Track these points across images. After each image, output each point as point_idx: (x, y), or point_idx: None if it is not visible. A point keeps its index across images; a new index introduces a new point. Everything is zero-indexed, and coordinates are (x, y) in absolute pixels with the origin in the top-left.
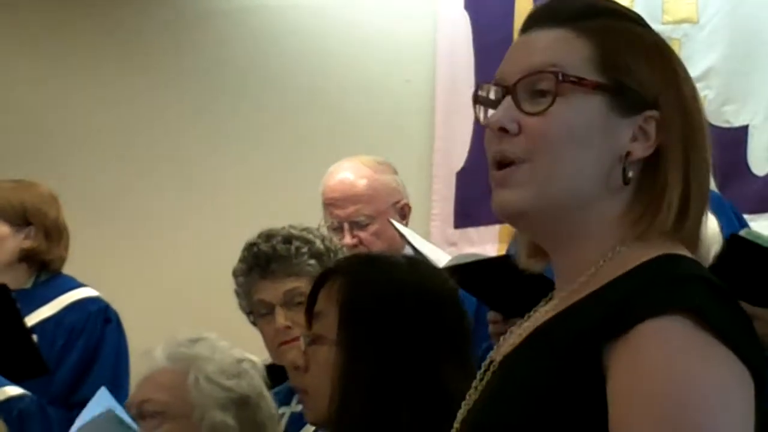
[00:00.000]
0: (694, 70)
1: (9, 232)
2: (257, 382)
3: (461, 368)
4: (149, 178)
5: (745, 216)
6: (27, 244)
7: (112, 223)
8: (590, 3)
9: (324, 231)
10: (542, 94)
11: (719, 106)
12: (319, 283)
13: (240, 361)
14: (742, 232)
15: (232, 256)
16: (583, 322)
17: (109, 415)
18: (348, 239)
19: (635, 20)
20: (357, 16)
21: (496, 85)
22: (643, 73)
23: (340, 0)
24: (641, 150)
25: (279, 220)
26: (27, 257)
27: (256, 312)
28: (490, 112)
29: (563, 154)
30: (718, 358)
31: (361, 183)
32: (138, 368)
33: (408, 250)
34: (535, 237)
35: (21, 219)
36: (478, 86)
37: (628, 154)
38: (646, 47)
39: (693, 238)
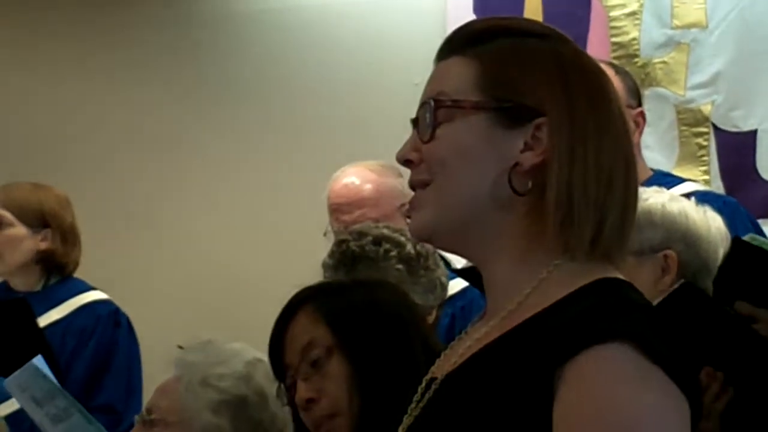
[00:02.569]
0: (702, 75)
1: (26, 233)
2: (260, 381)
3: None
4: (159, 182)
5: None
6: (43, 246)
7: (121, 227)
8: (486, 26)
9: (330, 236)
10: (431, 124)
11: (728, 111)
12: (281, 335)
13: (249, 363)
14: (746, 237)
15: (241, 258)
16: (532, 347)
17: (30, 367)
18: None
19: (535, 34)
20: (364, 19)
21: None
22: (529, 86)
23: (347, 3)
24: (530, 158)
25: (287, 224)
26: (42, 259)
27: None
28: None
29: (455, 172)
30: (658, 385)
31: (367, 187)
32: (148, 371)
33: None
34: (458, 254)
35: (39, 221)
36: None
37: (516, 164)
38: (532, 60)
39: (616, 254)
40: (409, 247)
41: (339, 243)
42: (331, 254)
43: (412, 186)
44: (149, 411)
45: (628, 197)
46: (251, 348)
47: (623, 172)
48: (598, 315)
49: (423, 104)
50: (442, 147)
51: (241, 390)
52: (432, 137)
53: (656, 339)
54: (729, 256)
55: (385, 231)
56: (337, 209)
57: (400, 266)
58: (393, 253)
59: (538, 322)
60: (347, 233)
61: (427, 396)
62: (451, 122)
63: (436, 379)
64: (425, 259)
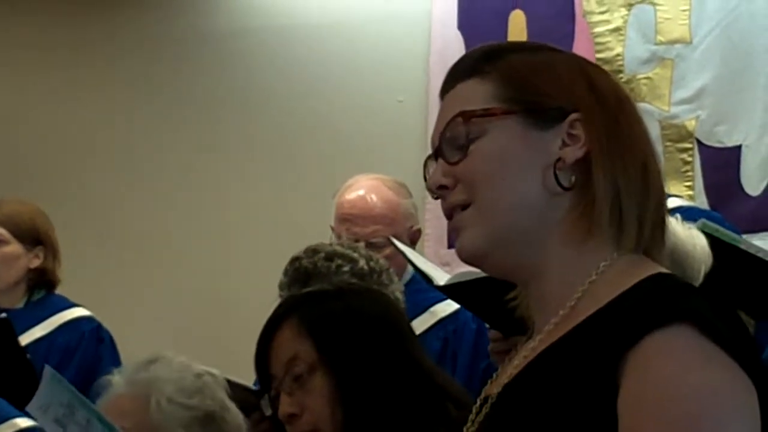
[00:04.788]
0: (687, 90)
1: (22, 251)
2: (219, 395)
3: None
4: (144, 198)
5: None
6: (36, 263)
7: (104, 242)
8: (488, 48)
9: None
10: (463, 142)
11: (712, 126)
12: (267, 345)
13: (199, 375)
14: (698, 224)
15: (226, 275)
16: (591, 344)
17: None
18: None
19: (545, 48)
20: (350, 36)
21: (430, 156)
22: (553, 88)
23: (333, 20)
24: (572, 153)
25: (272, 240)
26: (31, 277)
27: None
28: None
29: (499, 180)
30: (724, 367)
31: (383, 205)
32: None
33: (410, 270)
34: (507, 272)
35: (33, 238)
36: (424, 166)
37: (558, 160)
38: (551, 64)
39: (656, 250)
40: (362, 262)
41: (292, 261)
42: (285, 272)
43: (449, 210)
44: None
45: (661, 191)
46: (194, 361)
47: (654, 167)
48: (655, 301)
49: (447, 125)
50: (478, 161)
51: (208, 405)
52: (465, 155)
53: (717, 319)
54: None
55: (338, 248)
56: (349, 219)
57: (353, 281)
58: (345, 269)
59: (595, 321)
60: (301, 251)
61: (484, 410)
62: (483, 136)
63: (490, 396)
64: (378, 275)
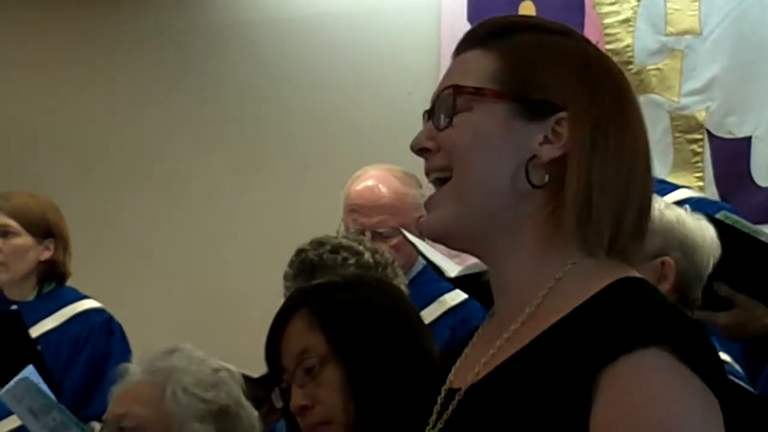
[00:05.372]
0: (696, 82)
1: (32, 243)
2: (235, 391)
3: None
4: (152, 190)
5: None
6: (46, 255)
7: (113, 236)
8: (508, 21)
9: (344, 234)
10: (450, 111)
11: (722, 118)
12: (277, 337)
13: (217, 370)
14: (719, 215)
15: (235, 268)
16: (565, 354)
17: (26, 381)
18: None
19: (557, 32)
20: (359, 28)
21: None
22: (551, 80)
23: (341, 12)
24: (549, 152)
25: (282, 231)
26: (42, 269)
27: None
28: None
29: (473, 160)
30: (696, 394)
31: (389, 194)
32: None
33: (420, 261)
34: (470, 251)
35: (43, 231)
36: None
37: (533, 157)
38: (556, 56)
39: (632, 254)
40: (367, 255)
41: (298, 253)
42: (291, 264)
43: (429, 173)
44: (120, 418)
45: (645, 198)
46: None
47: (642, 173)
48: (632, 319)
49: (441, 92)
50: (460, 133)
51: (223, 399)
52: (449, 124)
53: (690, 343)
54: None
55: (343, 240)
56: (356, 210)
57: (360, 273)
58: (351, 261)
59: (567, 328)
60: (307, 243)
61: (451, 407)
62: (470, 111)
63: (458, 389)
64: (383, 268)
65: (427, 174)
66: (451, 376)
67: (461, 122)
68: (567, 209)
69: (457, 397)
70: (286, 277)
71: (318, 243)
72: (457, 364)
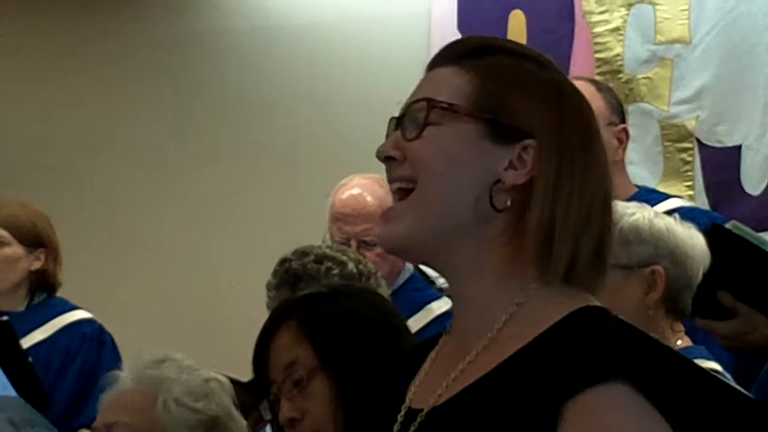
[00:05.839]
0: (686, 90)
1: (23, 253)
2: (225, 401)
3: None
4: (145, 200)
5: None
6: (36, 265)
7: (106, 245)
8: (486, 42)
9: (328, 244)
10: (420, 124)
11: (712, 126)
12: (265, 349)
13: (207, 380)
14: (728, 225)
15: (227, 278)
16: (530, 383)
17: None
18: None
19: (534, 59)
20: (349, 37)
21: (392, 119)
22: (523, 107)
23: (331, 21)
24: (513, 178)
25: (272, 237)
26: (32, 279)
27: None
28: None
29: (438, 176)
30: (655, 426)
31: (375, 203)
32: None
33: (409, 268)
34: (427, 264)
35: (34, 240)
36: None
37: (498, 181)
38: (530, 83)
39: (591, 284)
40: (351, 265)
41: (281, 263)
42: (274, 273)
43: (392, 181)
44: (110, 427)
45: (603, 233)
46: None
47: (601, 209)
48: (597, 351)
49: (413, 103)
50: (428, 147)
51: (213, 410)
52: (419, 136)
53: (652, 377)
54: (708, 243)
55: (327, 251)
56: (341, 218)
57: (346, 282)
58: (335, 271)
59: (530, 357)
60: (291, 252)
61: (413, 428)
62: (440, 126)
63: (419, 410)
64: (366, 278)
65: (390, 182)
66: (410, 395)
67: (430, 136)
68: (529, 236)
69: (419, 418)
70: (269, 287)
71: (302, 253)
72: (416, 381)
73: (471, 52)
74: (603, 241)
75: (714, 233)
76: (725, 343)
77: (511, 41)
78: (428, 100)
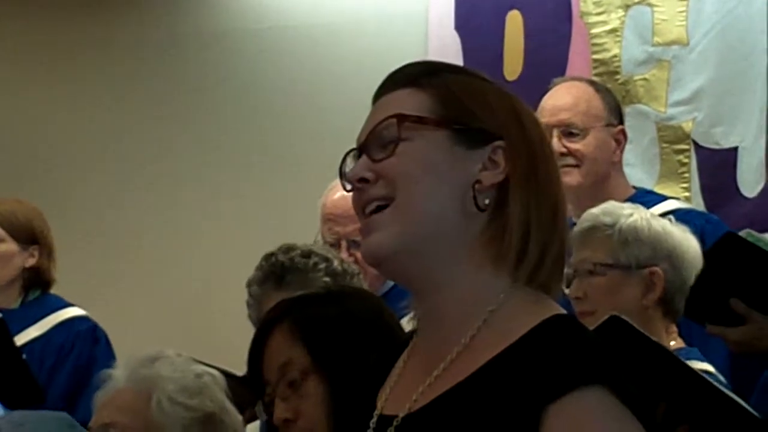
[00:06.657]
0: (683, 92)
1: (17, 249)
2: (219, 396)
3: None
4: (140, 198)
5: None
6: (31, 262)
7: (100, 243)
8: (430, 64)
9: (320, 245)
10: (391, 141)
11: (709, 128)
12: (260, 350)
13: (200, 375)
14: (743, 233)
15: (221, 276)
16: (508, 390)
17: None
18: (345, 257)
19: (480, 78)
20: (347, 37)
21: (350, 151)
22: (484, 113)
23: (329, 21)
24: (491, 177)
25: (268, 236)
26: (26, 276)
27: None
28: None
29: (415, 186)
30: (630, 427)
31: None
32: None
33: None
34: (404, 280)
35: (28, 237)
36: (342, 160)
37: (477, 181)
38: (484, 91)
39: (553, 288)
40: (336, 263)
41: (267, 257)
42: (259, 268)
43: (365, 204)
44: (106, 427)
45: (564, 238)
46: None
47: (562, 213)
48: (574, 358)
49: (378, 125)
50: (405, 161)
51: (208, 406)
52: (392, 153)
53: (625, 381)
54: (719, 250)
55: (313, 247)
56: (332, 219)
57: (327, 279)
58: (321, 266)
59: (506, 364)
60: (276, 248)
61: None
62: (411, 140)
63: (392, 417)
64: (351, 277)
65: (364, 205)
66: (381, 402)
67: (404, 151)
68: (508, 233)
69: (395, 423)
70: (251, 283)
71: (288, 248)
72: (386, 388)
73: (422, 73)
74: (564, 241)
75: (728, 241)
76: (735, 349)
77: (452, 64)
78: (398, 116)
